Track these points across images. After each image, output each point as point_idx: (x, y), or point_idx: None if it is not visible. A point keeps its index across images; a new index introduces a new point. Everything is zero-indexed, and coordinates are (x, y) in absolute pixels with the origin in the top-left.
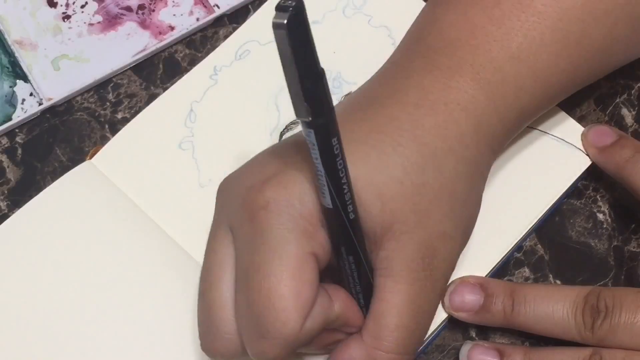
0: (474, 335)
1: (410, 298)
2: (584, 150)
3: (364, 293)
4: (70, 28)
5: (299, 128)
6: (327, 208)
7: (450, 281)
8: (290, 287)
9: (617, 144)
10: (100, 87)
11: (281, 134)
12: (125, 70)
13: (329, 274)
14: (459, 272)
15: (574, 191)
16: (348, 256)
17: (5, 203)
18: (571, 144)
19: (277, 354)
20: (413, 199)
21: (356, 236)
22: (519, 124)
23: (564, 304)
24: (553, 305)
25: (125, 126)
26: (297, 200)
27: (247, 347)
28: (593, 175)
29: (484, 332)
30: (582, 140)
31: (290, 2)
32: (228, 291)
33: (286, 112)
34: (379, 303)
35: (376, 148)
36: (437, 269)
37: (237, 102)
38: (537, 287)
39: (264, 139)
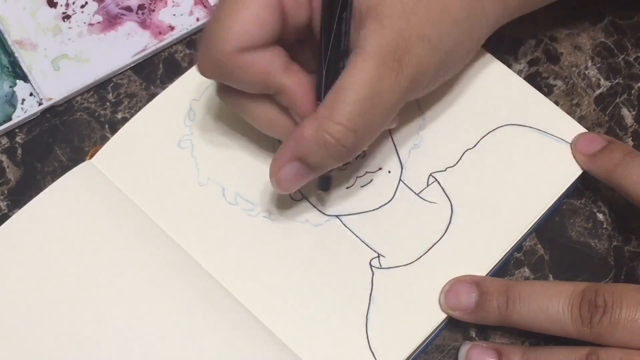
0: (474, 335)
1: (373, 78)
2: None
3: (326, 82)
4: (70, 28)
5: None
6: None
7: (446, 281)
8: (242, 13)
9: (605, 149)
10: (100, 87)
11: None
12: (125, 70)
13: (302, 61)
14: (459, 272)
15: (574, 191)
16: (330, 19)
17: (5, 203)
18: (571, 144)
19: (209, 68)
20: None
21: (341, 12)
22: None
23: (559, 299)
24: (548, 301)
25: (125, 125)
26: None
27: (197, 60)
28: (593, 176)
29: (484, 332)
30: (571, 149)
31: None
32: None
33: None
34: (343, 78)
35: None
36: (407, 65)
37: None
38: (532, 284)
39: (263, 138)
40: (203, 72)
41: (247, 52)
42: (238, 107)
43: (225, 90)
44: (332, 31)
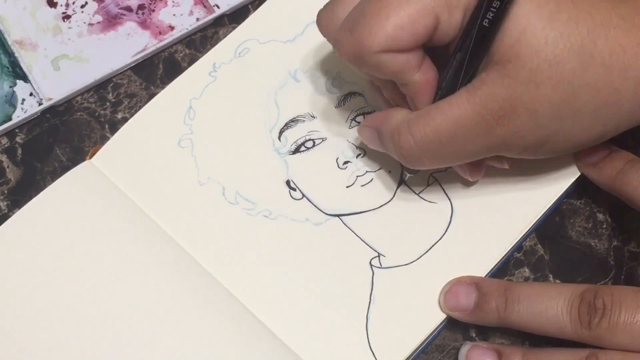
0: (474, 336)
1: (464, 121)
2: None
3: (449, 89)
4: (70, 28)
5: (298, 126)
6: (475, 3)
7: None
8: (400, 17)
9: (607, 158)
10: (100, 87)
11: (280, 132)
12: (125, 70)
13: (440, 59)
14: (459, 272)
15: (574, 191)
16: (457, 62)
17: (5, 203)
18: (574, 153)
19: (346, 51)
20: (540, 63)
21: (474, 47)
22: None
23: (557, 301)
24: (547, 303)
25: (125, 125)
26: None
27: (336, 31)
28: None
29: (484, 332)
30: (574, 158)
31: None
32: None
33: (286, 109)
34: (444, 102)
35: (563, 13)
36: (502, 128)
37: (236, 100)
38: (532, 285)
39: (263, 137)
40: (339, 50)
41: (390, 53)
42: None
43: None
44: (462, 53)
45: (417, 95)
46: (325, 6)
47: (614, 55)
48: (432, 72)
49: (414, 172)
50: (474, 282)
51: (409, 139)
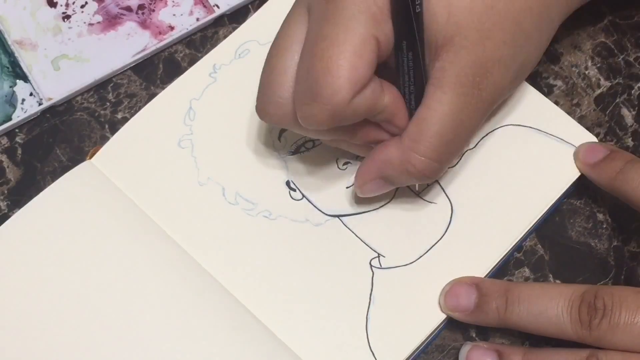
0: (474, 336)
1: (454, 110)
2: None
3: (416, 95)
4: (70, 28)
5: None
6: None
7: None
8: (350, 60)
9: (607, 158)
10: (100, 87)
11: (280, 133)
12: (125, 70)
13: (387, 76)
14: (459, 272)
15: (574, 191)
16: (408, 52)
17: (5, 203)
18: (571, 144)
19: (323, 120)
20: (479, 17)
21: (418, 32)
22: None
23: (558, 301)
24: (547, 303)
25: (125, 125)
26: None
27: (297, 110)
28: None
29: (484, 332)
30: (574, 159)
31: None
32: (292, 60)
33: None
34: (424, 110)
35: None
36: (485, 90)
37: (236, 100)
38: (532, 286)
39: (263, 138)
40: (315, 124)
41: (358, 95)
42: (333, 141)
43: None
44: (406, 66)
45: (395, 115)
46: (261, 97)
47: None
48: (393, 88)
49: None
50: (474, 283)
51: (423, 161)
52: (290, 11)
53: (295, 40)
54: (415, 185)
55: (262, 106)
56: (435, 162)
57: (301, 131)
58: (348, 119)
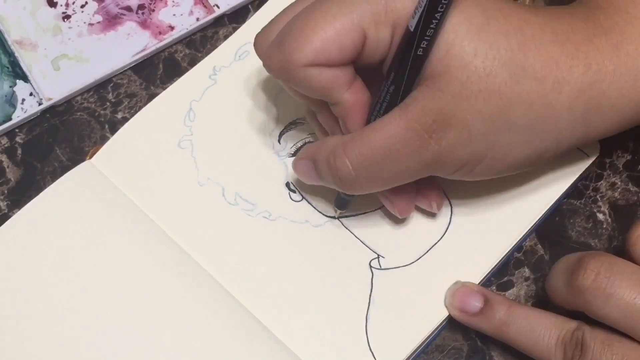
0: (474, 336)
1: (397, 137)
2: (584, 151)
3: (381, 112)
4: (70, 28)
5: (298, 129)
6: (407, 29)
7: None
8: (327, 33)
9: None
10: (100, 87)
11: (280, 134)
12: (125, 70)
13: (372, 83)
14: (459, 273)
15: (574, 191)
16: (391, 84)
17: (5, 203)
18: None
19: (273, 66)
20: (470, 76)
21: (409, 73)
22: (632, 117)
23: (551, 332)
24: (541, 330)
25: (124, 125)
26: None
27: (265, 49)
28: (593, 175)
29: (485, 335)
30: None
31: None
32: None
33: (285, 112)
34: (378, 122)
35: (492, 26)
36: (436, 142)
37: (236, 102)
38: (533, 310)
39: (263, 139)
40: (268, 67)
41: (317, 67)
42: (294, 96)
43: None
44: (395, 80)
45: (348, 116)
46: (261, 29)
47: (546, 69)
48: (363, 93)
49: (346, 204)
50: (482, 292)
51: (344, 162)
52: None
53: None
54: (336, 210)
55: (257, 37)
56: (352, 172)
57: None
58: (298, 83)
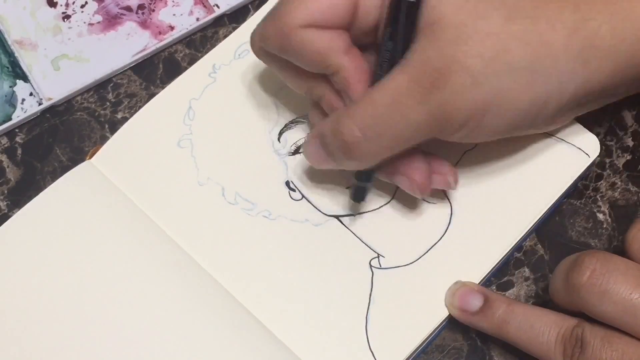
0: (474, 336)
1: (401, 89)
2: (584, 151)
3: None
4: (70, 28)
5: (298, 128)
6: None
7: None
8: None
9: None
10: (100, 87)
11: (280, 133)
12: (125, 70)
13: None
14: (459, 272)
15: (574, 191)
16: (388, 41)
17: (5, 203)
18: (571, 144)
19: (269, 35)
20: (464, 19)
21: (406, 27)
22: (629, 60)
23: (550, 329)
24: (541, 328)
25: (124, 125)
26: None
27: (261, 26)
28: (593, 175)
29: (485, 335)
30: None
31: None
32: None
33: (285, 111)
34: (380, 82)
35: None
36: (439, 90)
37: (236, 101)
38: (532, 308)
39: (263, 138)
40: (265, 41)
41: (312, 28)
42: (295, 85)
43: (284, 68)
44: (392, 37)
45: (350, 84)
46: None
47: (537, 9)
48: (361, 58)
49: (364, 193)
50: (482, 291)
51: (349, 125)
52: None
53: None
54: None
55: (251, 36)
56: (359, 132)
57: (270, 56)
58: (296, 47)
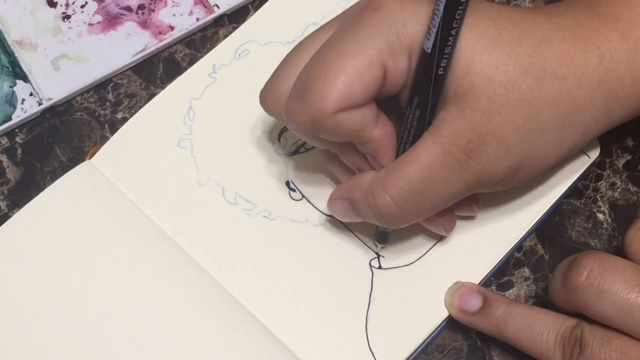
0: (473, 336)
1: (435, 163)
2: (584, 151)
3: (411, 138)
4: (70, 28)
5: None
6: (423, 51)
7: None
8: (349, 75)
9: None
10: (100, 87)
11: (280, 133)
12: (125, 70)
13: (394, 113)
14: (458, 273)
15: (574, 191)
16: (416, 109)
17: (5, 203)
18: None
19: (302, 121)
20: (496, 88)
21: (433, 94)
22: None
23: (550, 329)
24: (540, 328)
25: (124, 125)
26: (404, 19)
27: (285, 104)
28: (593, 175)
29: (485, 335)
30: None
31: None
32: (305, 58)
33: None
34: (410, 151)
35: (505, 36)
36: (475, 161)
37: (236, 101)
38: (531, 308)
39: (263, 138)
40: (294, 123)
41: (345, 111)
42: (317, 146)
43: (310, 139)
44: (420, 101)
45: (380, 152)
46: (266, 85)
47: (564, 66)
48: (389, 125)
49: (387, 237)
50: (481, 292)
51: (384, 197)
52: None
53: (317, 42)
54: (377, 245)
55: (264, 93)
56: (394, 206)
57: (293, 131)
58: (328, 131)
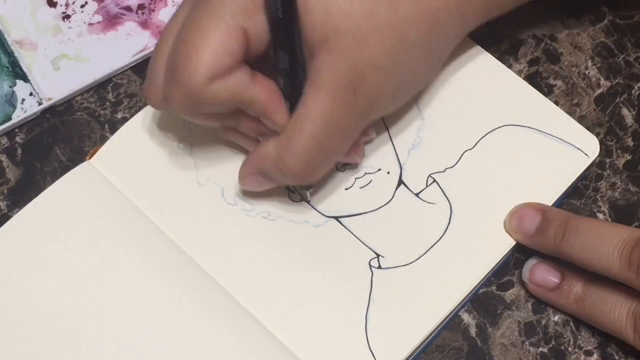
0: (473, 336)
1: (328, 109)
2: (584, 151)
3: (295, 94)
4: (70, 28)
5: None
6: (271, 3)
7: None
8: (211, 46)
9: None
10: (100, 87)
11: None
12: (125, 70)
13: (267, 71)
14: (458, 273)
15: (574, 191)
16: (283, 53)
17: (5, 203)
18: (571, 144)
19: (180, 101)
20: (357, 22)
21: (291, 34)
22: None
23: (612, 240)
24: (602, 239)
25: (124, 125)
26: None
27: (162, 91)
28: (593, 175)
29: (485, 332)
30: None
31: None
32: (171, 44)
33: None
34: (300, 108)
35: None
36: (361, 94)
37: None
38: (592, 221)
39: None
40: (172, 106)
41: (217, 79)
42: (207, 124)
43: (194, 117)
44: (282, 66)
45: (268, 109)
46: (144, 82)
47: None
48: (269, 82)
49: (310, 186)
50: (541, 209)
51: (294, 161)
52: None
53: (177, 25)
54: (307, 194)
55: (145, 91)
56: (305, 163)
57: (180, 115)
58: (207, 103)
